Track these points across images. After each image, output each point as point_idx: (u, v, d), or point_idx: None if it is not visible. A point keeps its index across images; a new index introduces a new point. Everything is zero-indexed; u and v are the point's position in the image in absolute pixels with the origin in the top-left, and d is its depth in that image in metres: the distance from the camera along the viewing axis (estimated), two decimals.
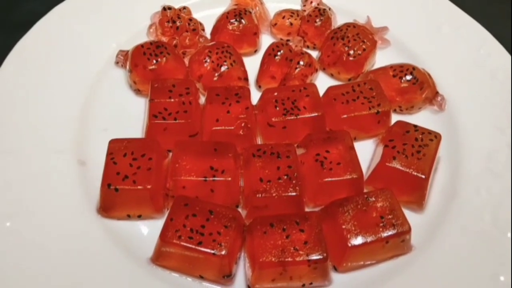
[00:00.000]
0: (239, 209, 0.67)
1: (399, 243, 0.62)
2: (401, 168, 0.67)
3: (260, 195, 0.63)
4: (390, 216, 0.62)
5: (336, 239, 0.61)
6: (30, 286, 0.58)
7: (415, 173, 0.66)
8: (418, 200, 0.68)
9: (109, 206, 0.65)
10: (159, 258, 0.61)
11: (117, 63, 0.84)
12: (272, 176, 0.64)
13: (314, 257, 0.57)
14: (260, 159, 0.66)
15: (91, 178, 0.68)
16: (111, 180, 0.63)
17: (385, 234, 0.60)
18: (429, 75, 0.81)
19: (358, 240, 0.60)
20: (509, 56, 0.84)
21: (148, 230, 0.65)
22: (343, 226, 0.61)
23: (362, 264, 0.62)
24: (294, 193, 0.63)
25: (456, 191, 0.70)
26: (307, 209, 0.67)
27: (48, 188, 0.66)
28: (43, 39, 0.83)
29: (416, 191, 0.67)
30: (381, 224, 0.61)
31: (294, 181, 0.64)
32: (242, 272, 0.62)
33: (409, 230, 0.62)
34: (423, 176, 0.66)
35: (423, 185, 0.67)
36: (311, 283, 0.60)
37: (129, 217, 0.66)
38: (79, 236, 0.63)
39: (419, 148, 0.68)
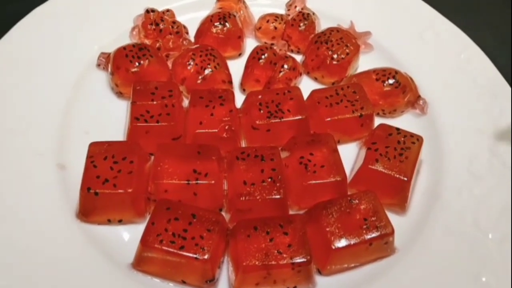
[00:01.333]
0: (223, 213, 0.66)
1: (382, 245, 0.62)
2: (383, 170, 0.67)
3: (244, 198, 0.63)
4: (373, 218, 0.62)
5: (320, 242, 0.61)
6: None
7: (398, 176, 0.67)
8: (401, 202, 0.68)
9: (88, 210, 0.63)
10: (140, 263, 0.60)
11: (98, 65, 0.82)
12: (256, 179, 0.64)
13: (298, 260, 0.57)
14: (244, 162, 0.66)
15: (71, 182, 0.66)
16: (91, 183, 0.62)
17: (368, 236, 0.60)
18: (411, 79, 0.82)
19: (342, 243, 0.60)
20: (489, 61, 0.86)
21: (129, 235, 0.64)
22: (327, 229, 0.60)
23: (346, 266, 0.62)
24: (278, 196, 0.63)
25: (438, 193, 0.70)
26: (291, 212, 0.67)
27: (26, 192, 0.65)
28: (23, 41, 0.81)
29: (399, 193, 0.68)
30: (365, 226, 0.61)
31: (278, 184, 0.64)
32: (225, 276, 0.61)
33: (392, 232, 0.62)
34: (405, 179, 0.67)
35: (405, 187, 0.67)
36: (295, 287, 0.59)
37: (109, 221, 0.64)
38: (58, 241, 0.61)
39: (401, 150, 0.69)
